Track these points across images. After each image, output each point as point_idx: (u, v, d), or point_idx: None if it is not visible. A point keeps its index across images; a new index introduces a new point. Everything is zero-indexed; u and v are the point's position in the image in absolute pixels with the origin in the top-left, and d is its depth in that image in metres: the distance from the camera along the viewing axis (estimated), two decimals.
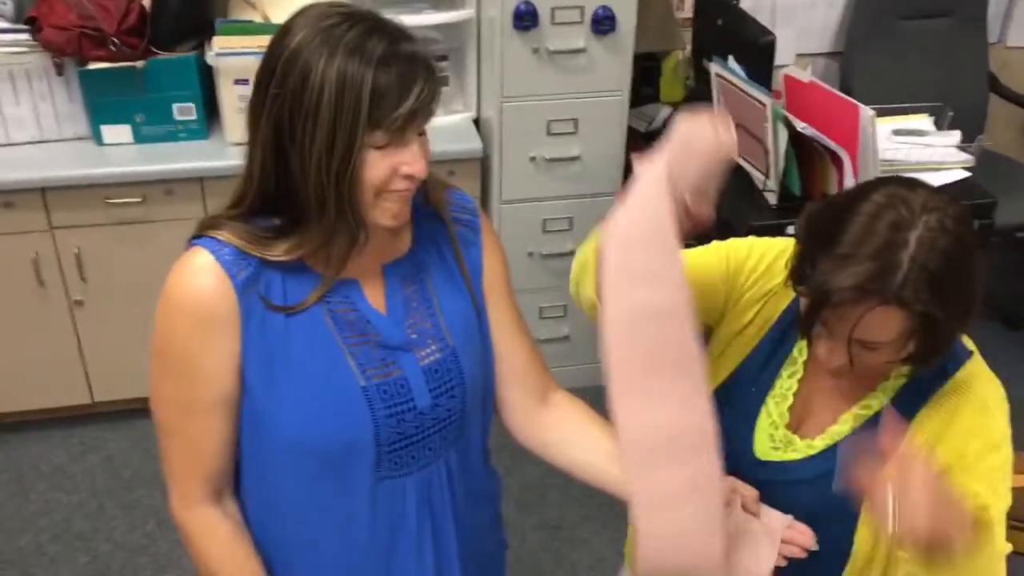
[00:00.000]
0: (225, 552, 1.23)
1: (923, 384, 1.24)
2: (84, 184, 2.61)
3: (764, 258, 1.35)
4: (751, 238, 1.39)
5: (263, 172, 1.10)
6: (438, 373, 1.23)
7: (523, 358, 1.35)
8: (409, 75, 1.05)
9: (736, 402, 1.34)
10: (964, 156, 2.41)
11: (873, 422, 1.25)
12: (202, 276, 1.13)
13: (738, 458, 1.31)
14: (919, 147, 2.43)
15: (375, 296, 1.22)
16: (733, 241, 1.39)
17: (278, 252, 1.13)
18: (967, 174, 2.36)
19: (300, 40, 1.05)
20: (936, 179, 2.36)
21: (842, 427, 1.27)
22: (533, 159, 2.81)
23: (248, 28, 2.66)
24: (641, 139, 3.10)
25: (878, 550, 1.25)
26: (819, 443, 1.27)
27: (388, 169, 1.09)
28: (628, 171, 2.99)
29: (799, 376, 1.31)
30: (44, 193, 2.60)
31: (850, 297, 1.08)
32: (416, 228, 1.26)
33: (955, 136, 2.45)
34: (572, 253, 2.97)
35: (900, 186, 1.12)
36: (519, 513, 2.76)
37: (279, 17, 2.73)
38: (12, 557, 2.58)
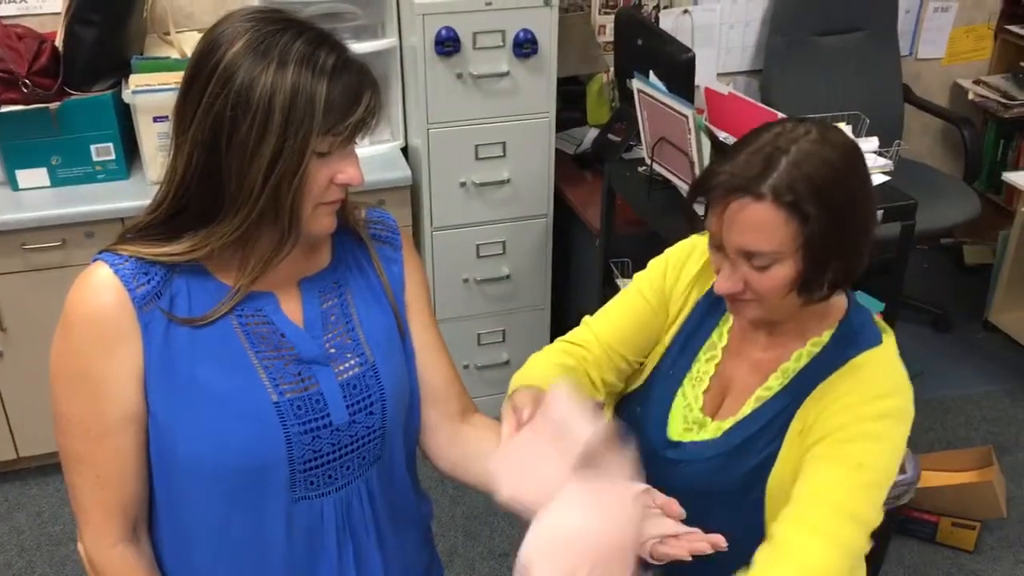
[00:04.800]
0: None
1: (822, 366, 1.25)
2: None
3: (676, 264, 1.40)
4: (655, 259, 1.44)
5: (187, 170, 1.08)
6: (356, 388, 1.19)
7: (443, 378, 1.31)
8: (358, 86, 1.09)
9: (655, 387, 1.37)
10: (883, 161, 2.45)
11: (771, 403, 1.27)
12: (100, 291, 1.10)
13: (651, 439, 1.33)
14: None
15: (292, 310, 1.19)
16: (643, 274, 1.44)
17: (182, 248, 1.10)
18: (886, 178, 2.41)
19: (244, 44, 1.05)
20: None
21: (745, 408, 1.29)
22: (463, 184, 2.80)
23: (165, 64, 2.62)
24: (570, 160, 3.12)
25: None
26: (726, 424, 1.29)
27: (326, 178, 1.10)
28: (558, 193, 3.03)
29: (717, 361, 1.34)
30: None
31: (724, 185, 1.14)
32: (335, 246, 1.25)
33: (873, 142, 2.50)
34: (508, 277, 2.99)
35: (797, 120, 1.20)
36: (467, 543, 2.71)
37: None
38: None
